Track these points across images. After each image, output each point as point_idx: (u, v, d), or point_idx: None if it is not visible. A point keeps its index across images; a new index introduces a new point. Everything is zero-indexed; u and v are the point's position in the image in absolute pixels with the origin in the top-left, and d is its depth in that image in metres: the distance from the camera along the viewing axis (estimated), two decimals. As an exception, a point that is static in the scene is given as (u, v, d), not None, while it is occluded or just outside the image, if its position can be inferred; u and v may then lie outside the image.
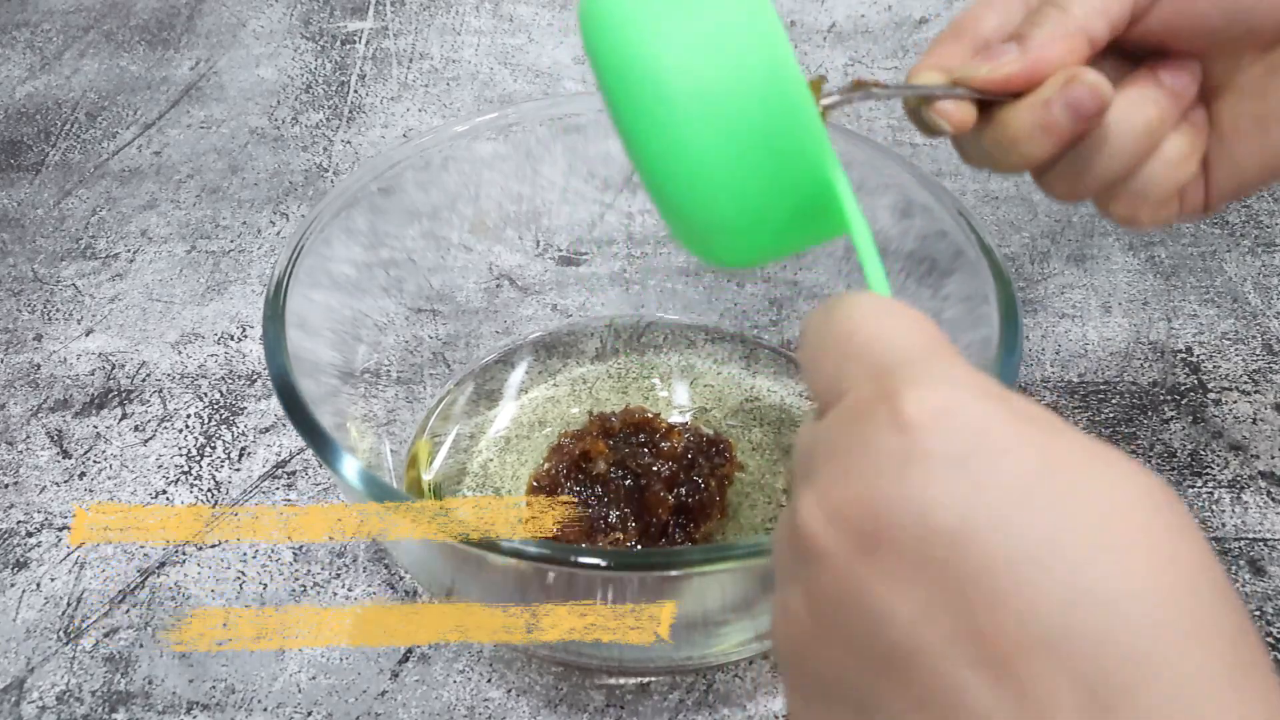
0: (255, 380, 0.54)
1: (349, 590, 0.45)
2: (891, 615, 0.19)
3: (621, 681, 0.42)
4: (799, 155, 0.29)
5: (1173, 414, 0.52)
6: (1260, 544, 0.46)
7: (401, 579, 0.45)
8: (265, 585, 0.45)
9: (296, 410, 0.37)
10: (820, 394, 0.24)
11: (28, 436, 0.51)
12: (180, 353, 0.55)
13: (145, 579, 0.46)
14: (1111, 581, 0.18)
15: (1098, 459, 0.20)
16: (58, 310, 0.58)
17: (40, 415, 0.52)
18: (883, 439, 0.20)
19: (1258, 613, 0.44)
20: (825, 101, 0.32)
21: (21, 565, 0.46)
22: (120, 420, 0.52)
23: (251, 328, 0.56)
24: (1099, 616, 0.18)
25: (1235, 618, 0.19)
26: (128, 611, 0.44)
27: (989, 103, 0.33)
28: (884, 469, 0.20)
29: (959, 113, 0.33)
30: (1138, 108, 0.33)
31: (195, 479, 0.49)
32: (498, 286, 0.54)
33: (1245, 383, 0.53)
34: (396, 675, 0.42)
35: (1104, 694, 0.17)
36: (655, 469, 0.44)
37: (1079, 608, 0.18)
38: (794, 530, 0.21)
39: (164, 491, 0.49)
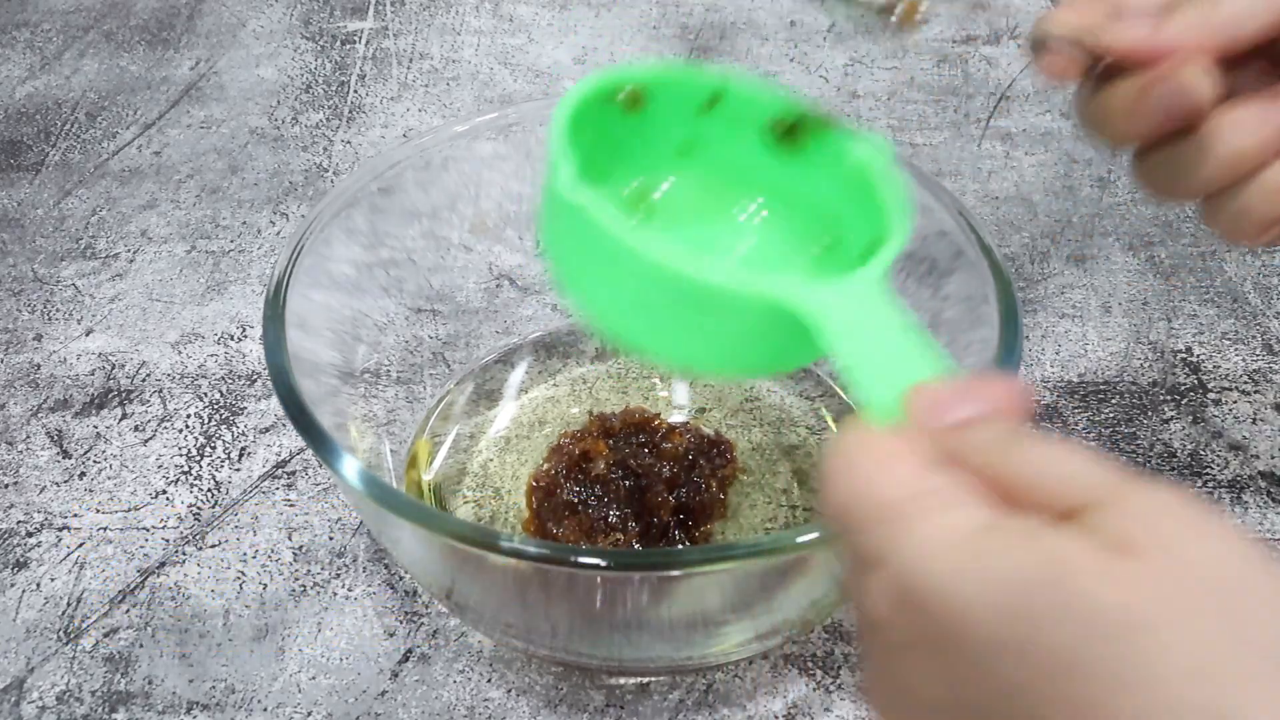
0: (255, 380, 0.54)
1: (349, 590, 0.45)
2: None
3: (621, 681, 0.42)
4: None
5: (1173, 414, 0.52)
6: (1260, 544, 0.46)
7: (401, 579, 0.45)
8: (265, 585, 0.45)
9: (296, 410, 0.37)
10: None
11: (28, 436, 0.51)
12: (180, 353, 0.55)
13: (145, 579, 0.46)
14: None
15: (1062, 587, 0.19)
16: (58, 310, 0.58)
17: (40, 415, 0.52)
18: (870, 637, 0.22)
19: (1258, 613, 0.44)
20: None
21: (21, 565, 0.46)
22: (120, 420, 0.52)
23: (251, 328, 0.56)
24: None
25: None
26: (128, 611, 0.44)
27: (1110, 69, 0.32)
28: (881, 665, 0.22)
29: (1057, 66, 0.32)
30: (1246, 126, 0.31)
31: (195, 479, 0.49)
32: (498, 286, 0.54)
33: (1245, 383, 0.53)
34: (396, 675, 0.42)
35: None
36: (656, 470, 0.44)
37: None
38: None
39: (164, 491, 0.49)
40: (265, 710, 0.41)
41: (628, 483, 0.44)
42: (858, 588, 0.22)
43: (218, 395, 0.53)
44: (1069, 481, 0.21)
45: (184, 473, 0.50)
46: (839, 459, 0.23)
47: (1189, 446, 0.50)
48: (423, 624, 0.44)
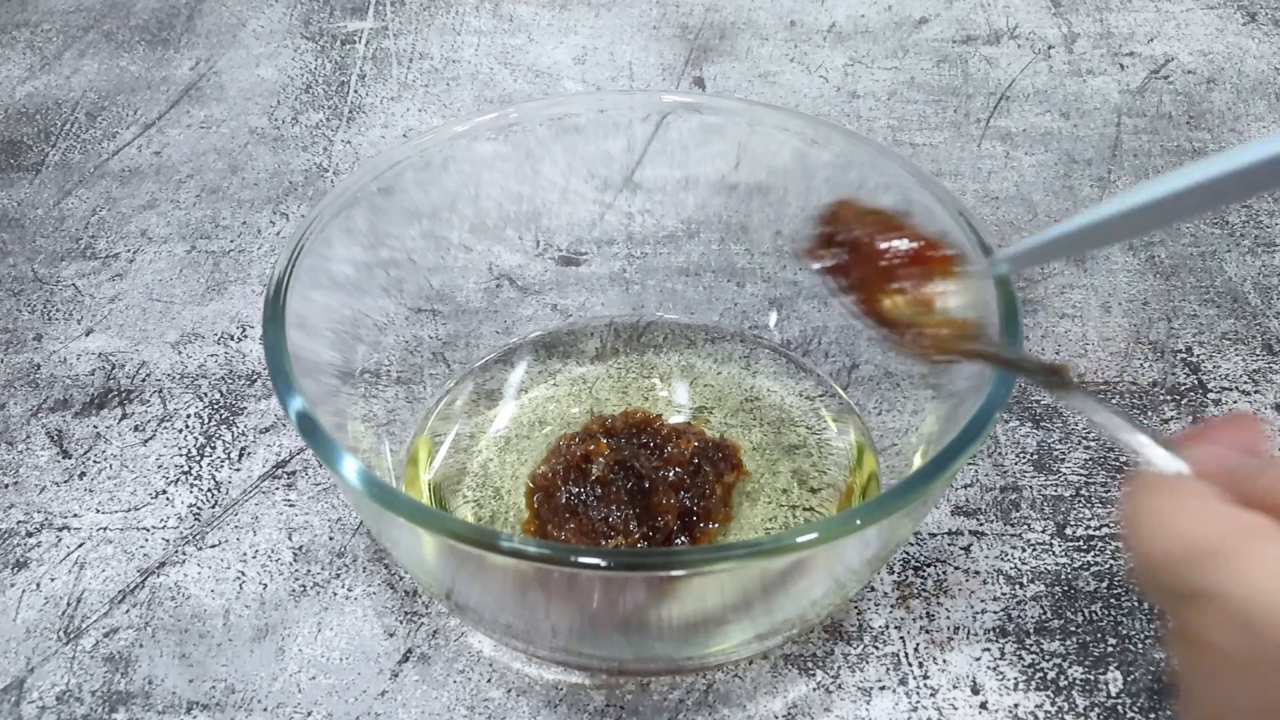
0: (255, 380, 0.54)
1: (349, 590, 0.45)
2: None
3: (621, 681, 0.42)
4: None
5: (1173, 414, 0.52)
6: (1260, 544, 0.46)
7: (401, 579, 0.45)
8: (265, 585, 0.45)
9: (296, 410, 0.37)
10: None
11: (28, 436, 0.51)
12: (180, 353, 0.55)
13: (145, 579, 0.46)
14: None
15: None
16: (58, 310, 0.58)
17: (40, 415, 0.52)
18: (1208, 662, 0.22)
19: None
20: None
21: (21, 565, 0.46)
22: (120, 420, 0.52)
23: (251, 328, 0.56)
24: None
25: None
26: (128, 611, 0.44)
27: None
28: (1218, 687, 0.22)
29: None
30: None
31: (195, 479, 0.49)
32: (498, 286, 0.54)
33: (1245, 383, 0.53)
34: (396, 675, 0.42)
35: None
36: (661, 473, 0.44)
37: None
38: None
39: (164, 491, 0.49)
40: (265, 710, 0.41)
41: (629, 484, 0.44)
42: (1184, 622, 0.23)
43: (218, 395, 0.53)
44: None
45: (184, 473, 0.50)
46: (1140, 507, 0.24)
47: (1189, 446, 0.50)
48: (423, 624, 0.44)
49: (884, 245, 0.37)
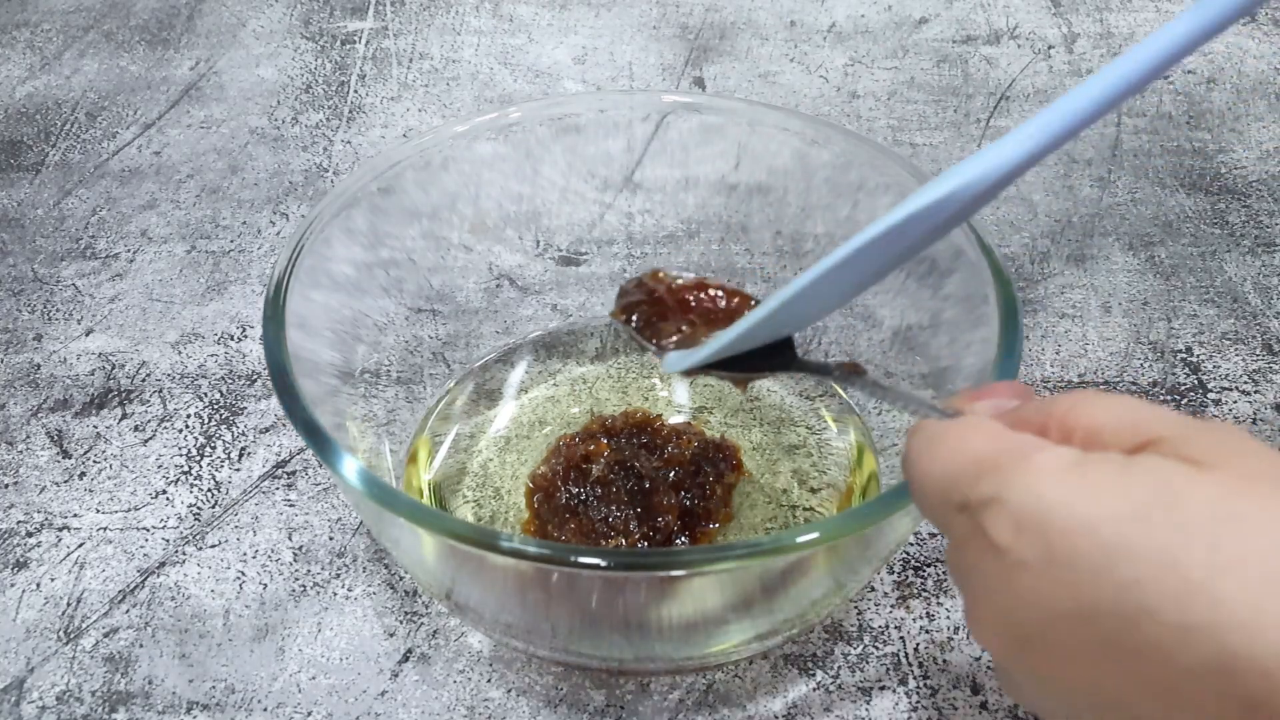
0: (255, 380, 0.54)
1: (349, 590, 0.45)
2: (1055, 697, 0.23)
3: (621, 681, 0.42)
4: None
5: (1173, 414, 0.52)
6: (1260, 544, 0.46)
7: (401, 579, 0.45)
8: (265, 585, 0.45)
9: (296, 410, 0.37)
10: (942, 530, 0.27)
11: (28, 436, 0.51)
12: (180, 353, 0.55)
13: (145, 579, 0.46)
14: (1214, 609, 0.20)
15: (1175, 499, 0.22)
16: (58, 310, 0.58)
17: (40, 415, 0.52)
18: (987, 568, 0.23)
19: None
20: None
21: (21, 565, 0.46)
22: (120, 420, 0.52)
23: (251, 328, 0.56)
24: (1216, 640, 0.20)
25: None
26: (128, 611, 0.44)
27: None
28: (1000, 590, 0.23)
29: None
30: None
31: (195, 479, 0.49)
32: (498, 286, 0.54)
33: (1245, 383, 0.53)
34: (396, 675, 0.42)
35: (1251, 703, 0.19)
36: (662, 474, 0.44)
37: (1195, 638, 0.20)
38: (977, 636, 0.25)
39: (164, 491, 0.49)
40: (265, 710, 0.41)
41: (629, 484, 0.44)
42: (966, 535, 0.24)
43: (218, 395, 0.53)
44: (1134, 423, 0.24)
45: (184, 473, 0.50)
46: (923, 442, 0.26)
47: (1189, 446, 0.50)
48: (423, 624, 0.44)
49: (683, 293, 0.41)
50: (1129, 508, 0.22)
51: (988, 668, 0.42)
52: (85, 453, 0.51)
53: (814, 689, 0.42)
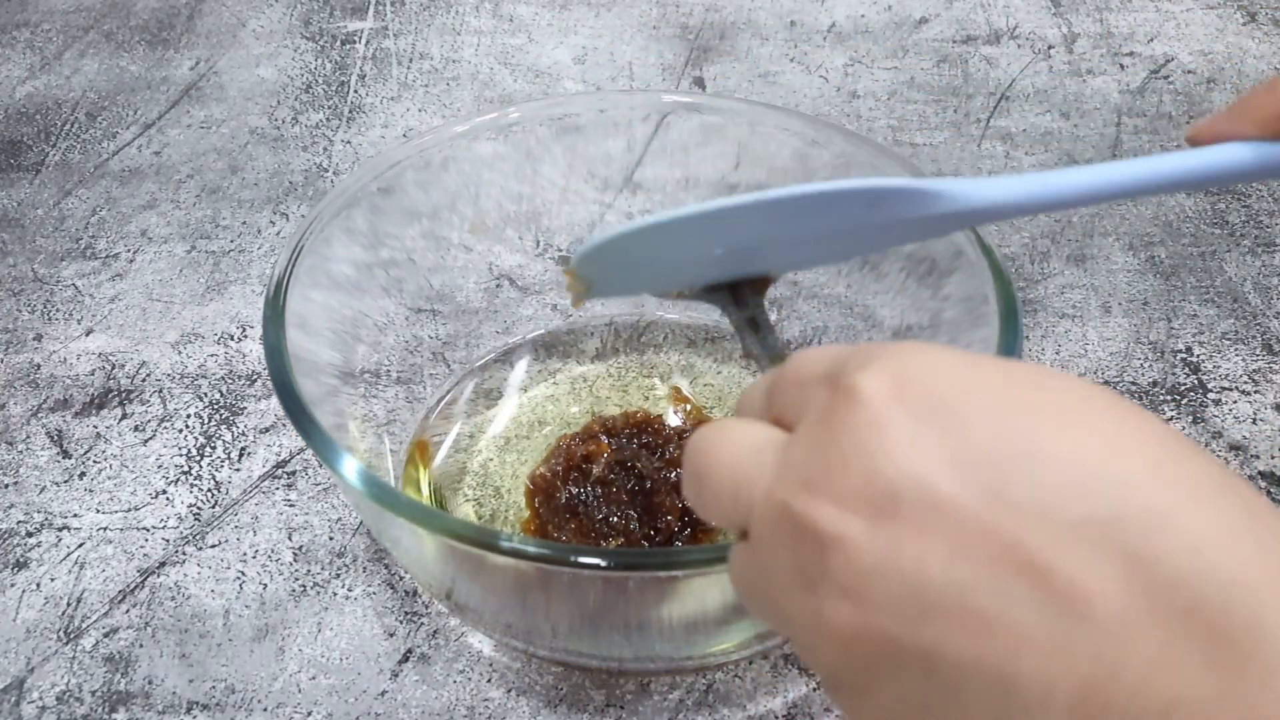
0: (255, 380, 0.54)
1: (349, 590, 0.45)
2: (929, 564, 0.20)
3: (621, 681, 0.42)
4: None
5: (1173, 414, 0.52)
6: (1260, 544, 0.46)
7: (401, 579, 0.45)
8: (265, 585, 0.45)
9: (296, 410, 0.37)
10: (783, 417, 0.25)
11: (28, 436, 0.51)
12: (180, 353, 0.55)
13: (145, 579, 0.46)
14: (1111, 461, 0.20)
15: (1045, 373, 0.22)
16: (58, 310, 0.58)
17: (40, 415, 0.52)
18: (857, 423, 0.22)
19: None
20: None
21: (21, 565, 0.46)
22: (120, 420, 0.52)
23: (251, 328, 0.56)
24: (1112, 492, 0.19)
25: (1225, 473, 0.20)
26: (128, 611, 0.44)
27: None
28: (873, 446, 0.21)
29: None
30: None
31: (195, 479, 0.49)
32: (498, 286, 0.54)
33: (1245, 383, 0.53)
34: (396, 675, 0.42)
35: (1138, 557, 0.19)
36: (663, 474, 0.44)
37: (1091, 490, 0.19)
38: (803, 534, 0.22)
39: (164, 491, 0.49)
40: (265, 710, 0.41)
41: (630, 484, 0.44)
42: (829, 398, 0.24)
43: (218, 395, 0.53)
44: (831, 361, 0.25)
45: (184, 473, 0.50)
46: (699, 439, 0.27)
47: (1189, 446, 0.50)
48: (423, 624, 0.44)
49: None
50: (1004, 374, 0.22)
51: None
52: (85, 453, 0.51)
53: (814, 689, 0.42)
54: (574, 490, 0.44)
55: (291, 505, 0.48)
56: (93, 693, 0.42)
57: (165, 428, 0.52)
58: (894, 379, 0.22)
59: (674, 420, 0.49)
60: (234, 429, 0.51)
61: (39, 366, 0.55)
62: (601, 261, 0.35)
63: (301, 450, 0.50)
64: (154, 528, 0.47)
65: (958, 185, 0.32)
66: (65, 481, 0.49)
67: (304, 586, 0.45)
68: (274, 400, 0.52)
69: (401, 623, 0.44)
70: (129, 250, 0.61)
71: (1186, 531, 0.19)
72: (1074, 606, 0.19)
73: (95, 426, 0.52)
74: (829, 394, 0.23)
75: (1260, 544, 0.19)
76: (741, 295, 0.35)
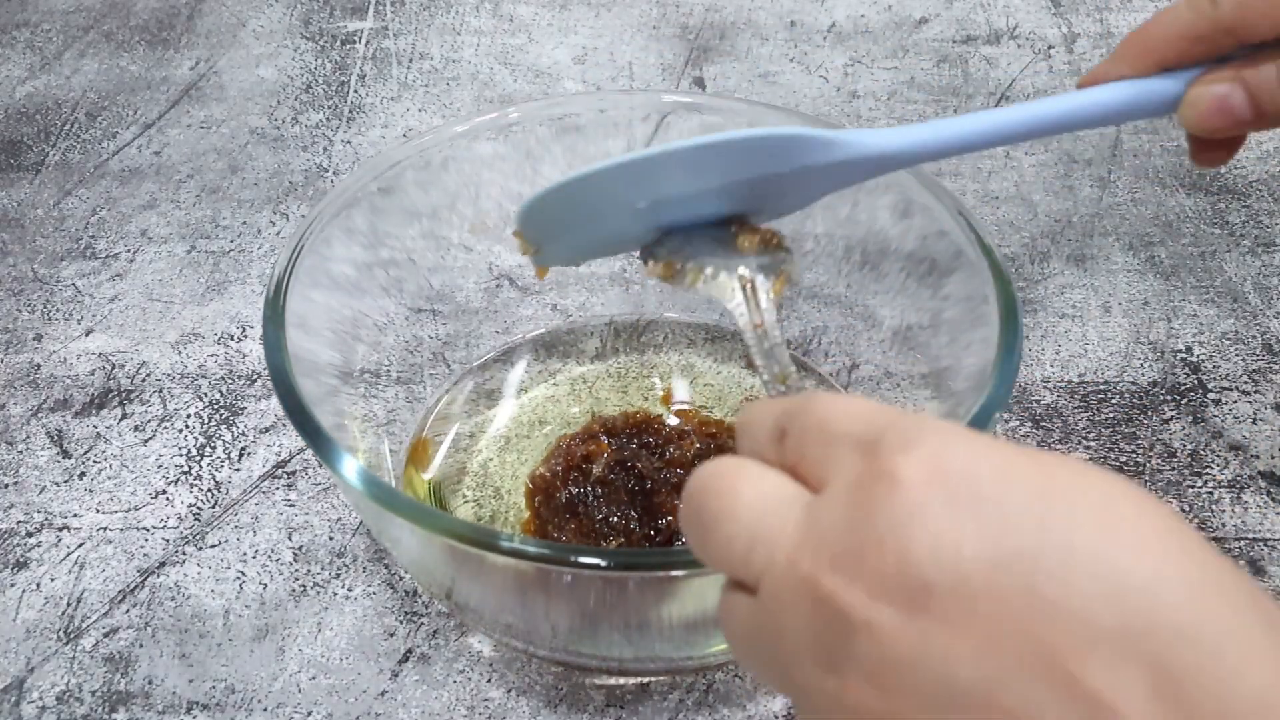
0: (255, 380, 0.54)
1: (349, 590, 0.45)
2: (958, 658, 0.20)
3: (621, 681, 0.42)
4: None
5: (1173, 414, 0.52)
6: (1260, 544, 0.46)
7: (401, 579, 0.45)
8: (265, 585, 0.45)
9: (296, 410, 0.37)
10: (802, 470, 0.25)
11: (28, 436, 0.51)
12: (180, 353, 0.55)
13: (145, 579, 0.46)
14: (1140, 570, 0.20)
15: (1079, 470, 0.22)
16: (58, 310, 0.58)
17: (40, 415, 0.52)
18: (894, 508, 0.21)
19: (1258, 613, 0.44)
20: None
21: (21, 565, 0.46)
22: (120, 420, 0.52)
23: (251, 328, 0.56)
24: (1143, 601, 0.19)
25: (1243, 581, 0.20)
26: (128, 611, 0.44)
27: None
28: (908, 534, 0.21)
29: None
30: None
31: (195, 479, 0.49)
32: (498, 286, 0.54)
33: (1245, 383, 0.53)
34: (396, 675, 0.42)
35: (1166, 671, 0.19)
36: (663, 474, 0.44)
37: (1121, 600, 0.19)
38: (828, 613, 0.22)
39: (164, 491, 0.49)
40: (265, 710, 0.41)
41: (630, 484, 0.44)
42: (862, 475, 0.23)
43: (218, 395, 0.53)
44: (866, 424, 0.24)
45: (184, 473, 0.50)
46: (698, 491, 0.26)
47: (1189, 446, 0.50)
48: (423, 624, 0.44)
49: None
50: (1041, 468, 0.21)
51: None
52: (85, 453, 0.51)
53: (814, 689, 0.42)
54: (574, 490, 0.44)
55: (291, 505, 0.48)
56: (93, 693, 0.42)
57: (165, 428, 0.52)
58: (933, 465, 0.21)
59: (674, 420, 0.49)
60: (234, 429, 0.51)
61: (39, 366, 0.55)
62: (540, 218, 0.38)
63: (301, 450, 0.50)
64: (154, 528, 0.47)
65: (854, 134, 0.34)
66: (65, 481, 0.49)
67: (304, 586, 0.45)
68: (274, 400, 0.52)
69: (401, 623, 0.44)
70: (129, 250, 0.61)
71: (1213, 645, 0.19)
72: (1099, 716, 0.19)
73: (95, 426, 0.52)
74: (865, 467, 0.22)
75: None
76: (757, 297, 0.35)
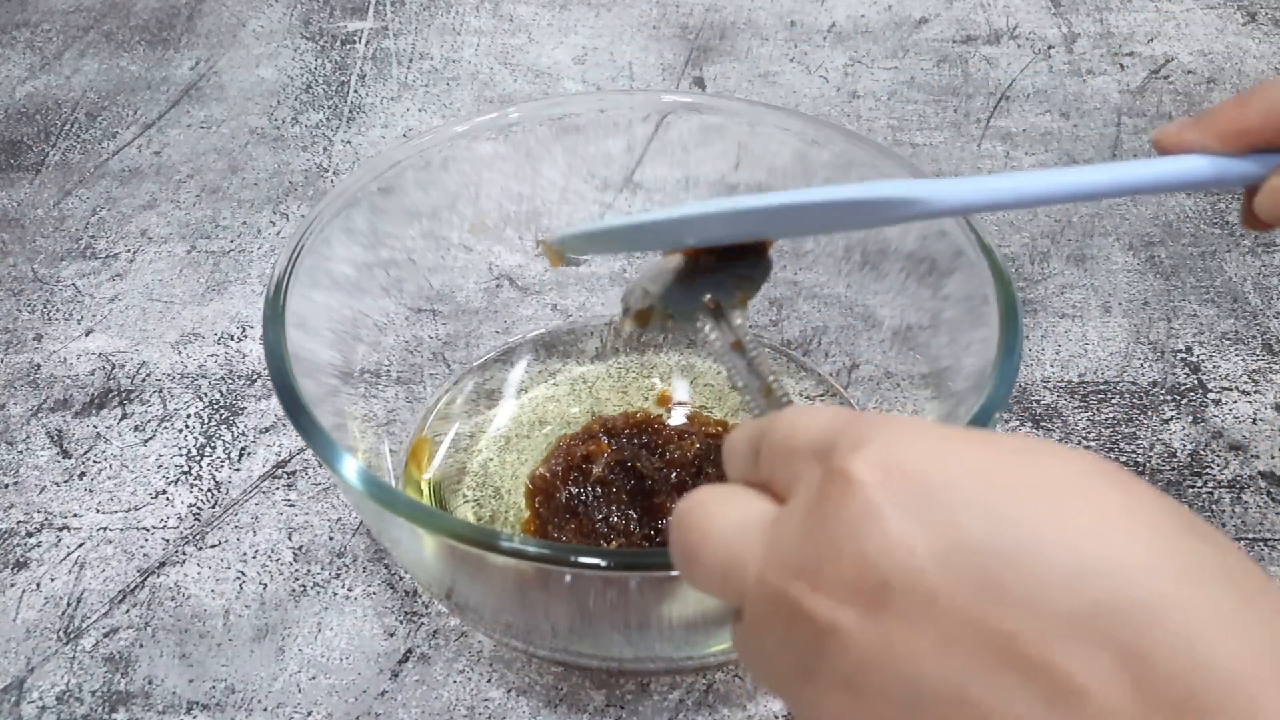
0: (255, 380, 0.54)
1: (349, 590, 0.45)
2: (923, 656, 0.20)
3: (621, 681, 0.42)
4: None
5: (1173, 414, 0.52)
6: (1260, 544, 0.46)
7: (401, 579, 0.45)
8: (265, 585, 0.45)
9: (296, 410, 0.37)
10: (773, 485, 0.25)
11: (28, 436, 0.51)
12: (180, 353, 0.55)
13: (145, 579, 0.46)
14: (1103, 548, 0.19)
15: (1035, 452, 0.22)
16: (58, 310, 0.58)
17: (40, 415, 0.52)
18: (848, 512, 0.21)
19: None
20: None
21: (21, 565, 0.46)
22: (120, 420, 0.52)
23: (251, 328, 0.56)
24: (1104, 582, 0.19)
25: (1221, 552, 0.20)
26: (128, 611, 0.44)
27: None
28: (864, 536, 0.21)
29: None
30: None
31: (195, 479, 0.49)
32: (498, 286, 0.54)
33: (1245, 383, 0.53)
34: (396, 675, 0.42)
35: (1132, 650, 0.18)
36: (663, 475, 0.44)
37: (1083, 581, 0.19)
38: (797, 623, 0.22)
39: (164, 491, 0.49)
40: (265, 710, 0.41)
41: (630, 484, 0.44)
42: (819, 481, 0.24)
43: (218, 395, 0.53)
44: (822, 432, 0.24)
45: (184, 473, 0.50)
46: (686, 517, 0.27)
47: (1189, 446, 0.50)
48: (423, 624, 0.44)
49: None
50: (997, 455, 0.21)
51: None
52: (85, 453, 0.51)
53: (814, 689, 0.42)
54: (574, 490, 0.44)
55: (291, 505, 0.48)
56: (93, 693, 0.42)
57: (165, 428, 0.52)
58: (885, 464, 0.22)
59: (674, 420, 0.49)
60: (234, 429, 0.51)
61: (39, 366, 0.55)
62: (577, 244, 0.39)
63: (301, 450, 0.50)
64: (154, 528, 0.47)
65: (945, 191, 0.32)
66: (65, 481, 0.49)
67: (304, 586, 0.45)
68: (274, 400, 0.52)
69: (401, 623, 0.44)
70: (129, 250, 0.61)
71: (1180, 623, 0.18)
72: (1067, 700, 0.19)
73: (95, 426, 0.52)
74: (820, 474, 0.23)
75: (1253, 633, 0.19)
76: (726, 317, 0.35)
